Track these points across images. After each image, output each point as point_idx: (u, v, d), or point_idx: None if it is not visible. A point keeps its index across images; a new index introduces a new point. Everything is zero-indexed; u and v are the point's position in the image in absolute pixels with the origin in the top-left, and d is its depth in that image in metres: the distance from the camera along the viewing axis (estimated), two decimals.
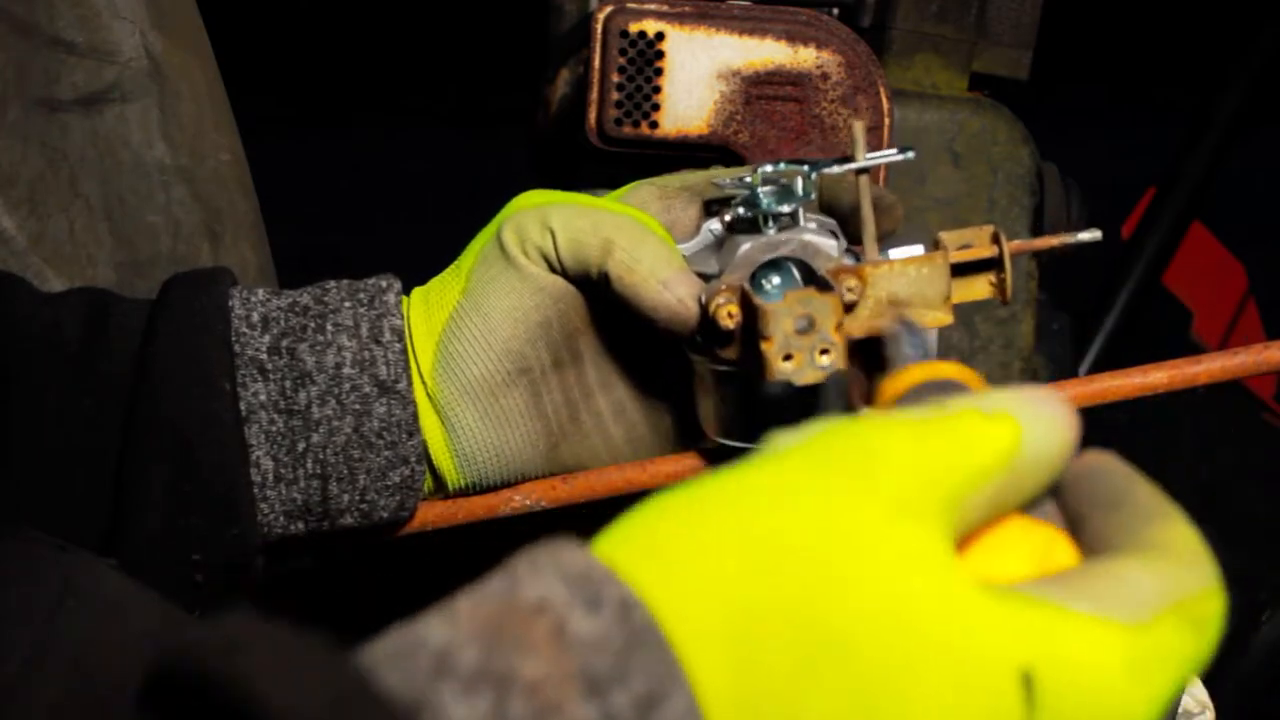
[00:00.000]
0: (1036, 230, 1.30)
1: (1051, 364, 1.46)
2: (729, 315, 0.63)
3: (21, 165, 0.95)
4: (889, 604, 0.35)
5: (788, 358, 0.60)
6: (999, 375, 1.29)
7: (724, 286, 0.65)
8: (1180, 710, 0.74)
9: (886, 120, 0.88)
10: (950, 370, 0.47)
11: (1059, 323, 1.49)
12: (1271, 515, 2.16)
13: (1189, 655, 0.38)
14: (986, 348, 1.29)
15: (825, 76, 0.87)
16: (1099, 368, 1.80)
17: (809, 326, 0.60)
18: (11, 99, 0.95)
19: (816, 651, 0.34)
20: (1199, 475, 2.21)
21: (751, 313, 0.62)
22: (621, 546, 0.35)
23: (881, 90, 0.87)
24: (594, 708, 0.31)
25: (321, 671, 0.29)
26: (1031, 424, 0.39)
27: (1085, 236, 0.69)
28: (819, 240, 0.67)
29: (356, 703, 0.29)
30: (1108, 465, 0.42)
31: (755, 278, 0.68)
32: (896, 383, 0.47)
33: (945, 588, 0.36)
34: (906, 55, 1.28)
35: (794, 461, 0.37)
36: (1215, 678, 0.88)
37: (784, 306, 0.60)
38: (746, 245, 0.67)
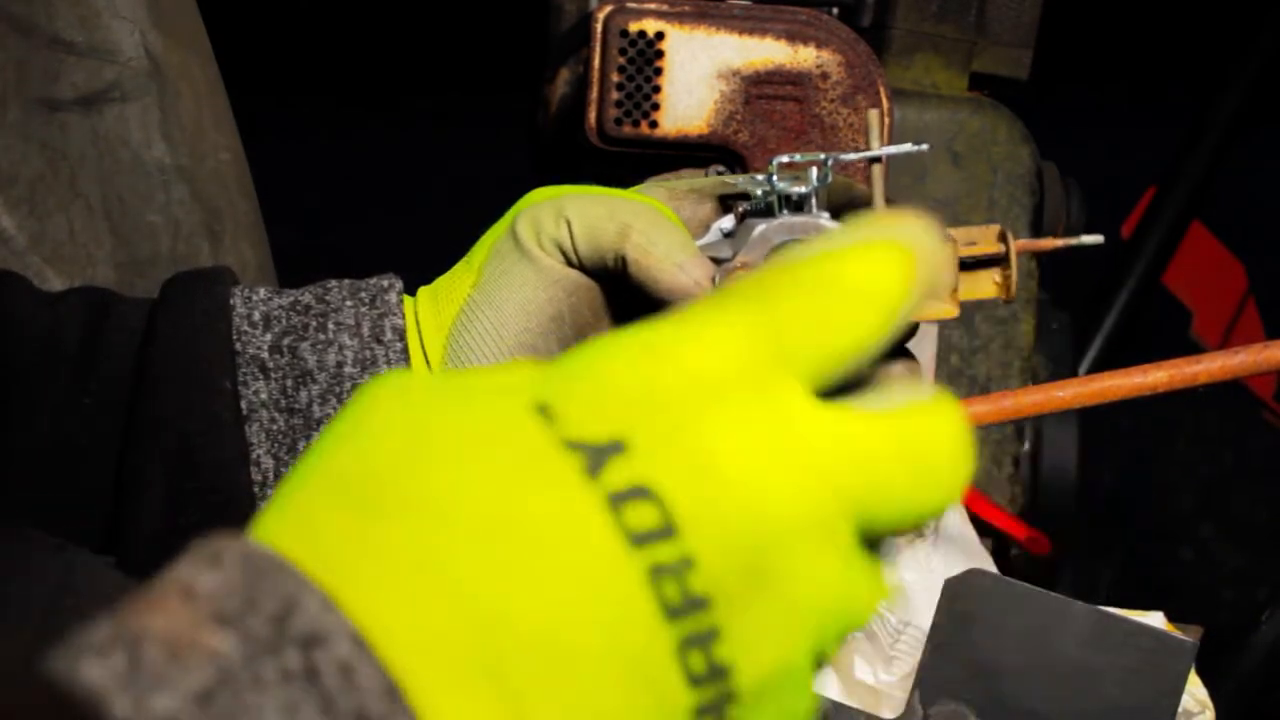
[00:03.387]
0: (1036, 230, 1.30)
1: (1051, 363, 1.46)
2: None
3: (21, 165, 0.95)
4: (395, 429, 0.36)
5: None
6: (999, 375, 1.29)
7: (739, 266, 0.65)
8: (1180, 710, 0.74)
9: (886, 120, 0.87)
10: None
11: (1059, 322, 1.49)
12: (1271, 515, 2.16)
13: (733, 320, 0.36)
14: (986, 347, 1.29)
15: (825, 76, 0.86)
16: (1099, 367, 1.80)
17: None
18: (11, 99, 0.95)
19: (365, 508, 0.34)
20: (1199, 475, 2.21)
21: None
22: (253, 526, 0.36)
23: (881, 90, 0.87)
24: (230, 634, 0.32)
25: None
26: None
27: (1088, 240, 0.69)
28: (833, 226, 0.67)
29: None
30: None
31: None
32: None
33: (435, 386, 0.37)
34: (906, 55, 1.28)
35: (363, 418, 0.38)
36: (1215, 678, 0.88)
37: None
38: (761, 226, 0.67)
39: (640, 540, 0.34)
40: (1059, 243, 0.69)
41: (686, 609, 0.34)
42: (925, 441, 0.37)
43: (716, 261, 0.67)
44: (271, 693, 0.31)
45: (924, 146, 0.68)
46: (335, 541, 0.34)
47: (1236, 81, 1.91)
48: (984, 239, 0.67)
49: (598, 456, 0.35)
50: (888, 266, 0.37)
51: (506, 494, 0.34)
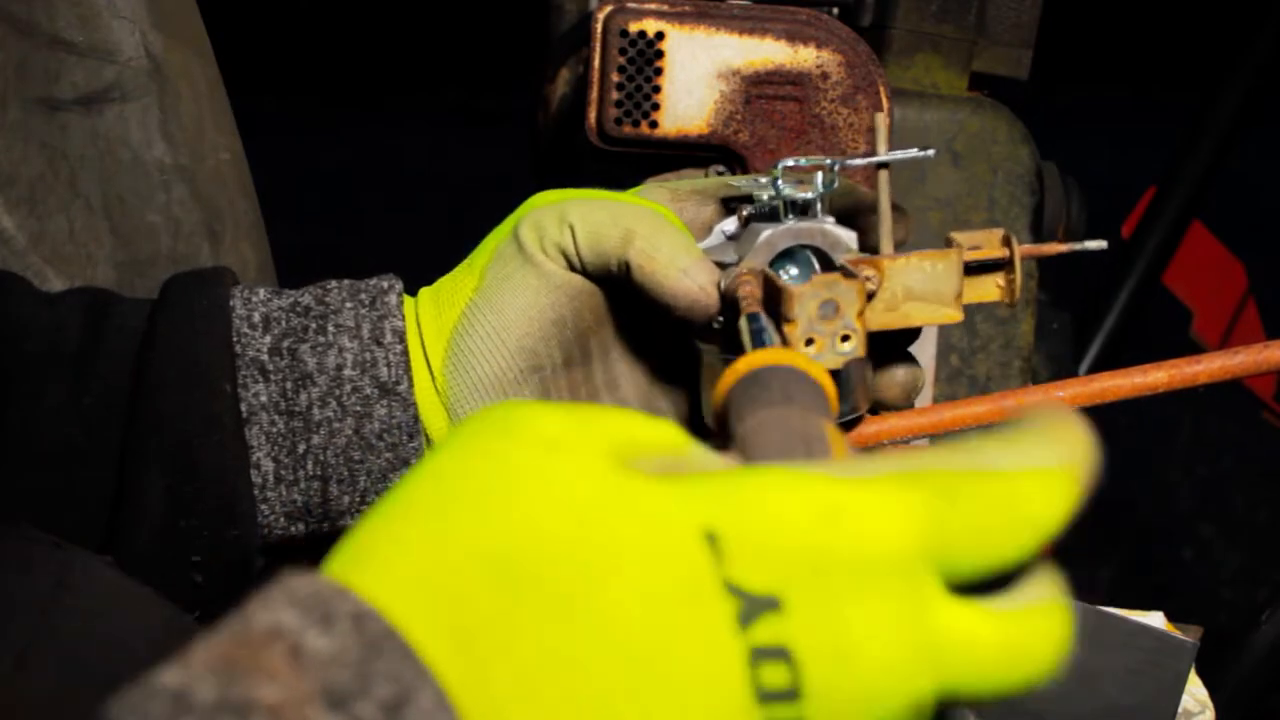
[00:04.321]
0: (1037, 229, 1.30)
1: (1051, 363, 1.46)
2: (750, 297, 0.63)
3: (21, 165, 0.95)
4: (559, 521, 0.36)
5: (809, 342, 0.60)
6: (999, 375, 1.29)
7: (745, 270, 0.64)
8: (1180, 710, 0.74)
9: (887, 120, 0.87)
10: (788, 357, 0.48)
11: (1059, 323, 1.49)
12: (1271, 515, 2.16)
13: (910, 515, 0.37)
14: (986, 347, 1.29)
15: (825, 76, 0.86)
16: (1099, 367, 1.80)
17: (833, 312, 0.60)
18: (11, 99, 0.95)
19: (513, 590, 0.35)
20: (1199, 475, 2.21)
21: (776, 295, 0.62)
22: (346, 564, 0.36)
23: (881, 90, 0.87)
24: None
25: None
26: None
27: (1091, 245, 0.69)
28: (839, 231, 0.67)
29: None
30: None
31: (773, 266, 0.67)
32: (739, 365, 0.47)
33: (605, 484, 0.37)
34: (906, 55, 1.28)
35: (452, 442, 0.39)
36: (1215, 678, 0.88)
37: (810, 289, 0.60)
38: (767, 232, 0.67)
39: (766, 698, 0.35)
40: (1063, 248, 0.69)
41: None
42: (1034, 649, 0.39)
43: (720, 266, 0.67)
44: None
45: (930, 152, 0.68)
46: (470, 628, 0.34)
47: (1236, 81, 1.91)
48: (988, 243, 0.67)
49: (753, 608, 0.36)
50: (1059, 502, 0.39)
51: (660, 623, 0.35)
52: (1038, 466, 0.39)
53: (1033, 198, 1.29)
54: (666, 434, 0.40)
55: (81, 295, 0.71)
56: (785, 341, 0.60)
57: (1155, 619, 0.78)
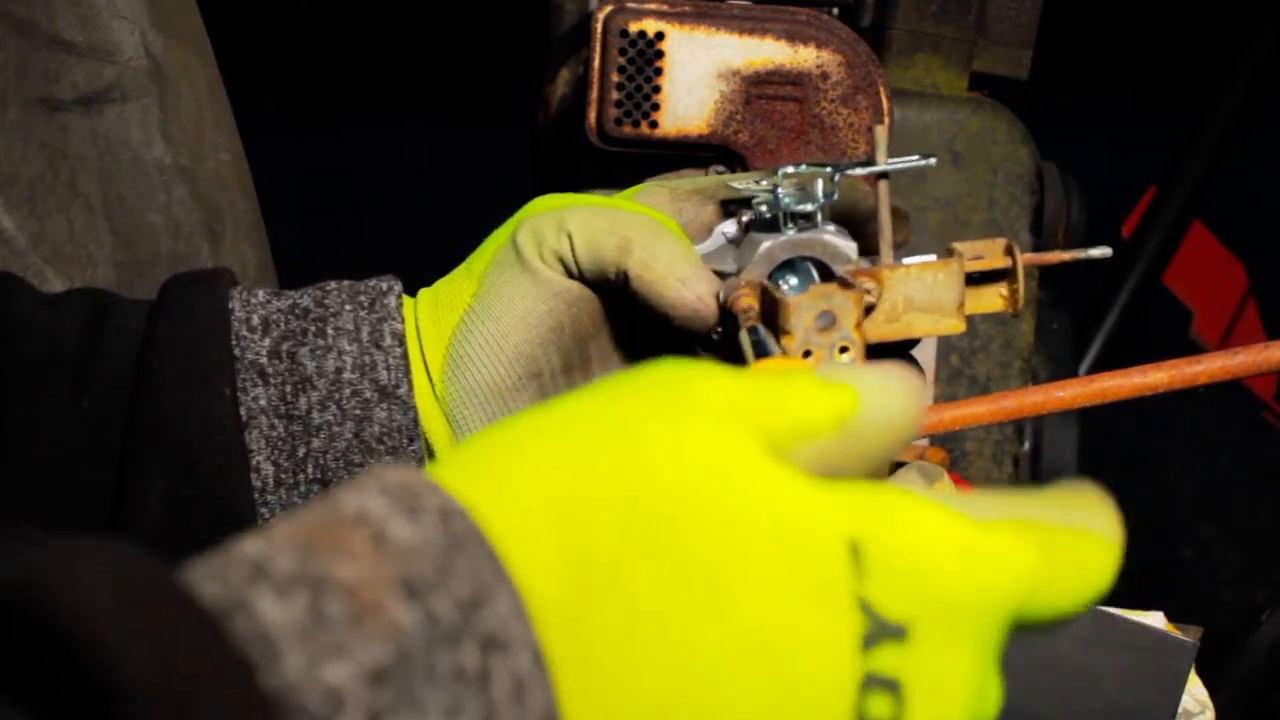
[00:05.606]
0: (1036, 229, 1.30)
1: (1051, 364, 1.46)
2: (749, 310, 0.63)
3: (21, 165, 0.95)
4: (709, 486, 0.35)
5: (807, 354, 0.60)
6: (999, 375, 1.29)
7: (744, 282, 0.64)
8: (1180, 710, 0.74)
9: (886, 120, 0.87)
10: (798, 368, 0.48)
11: (1059, 323, 1.49)
12: (1271, 515, 2.16)
13: (1026, 569, 0.38)
14: (986, 347, 1.29)
15: (825, 76, 0.86)
16: (1099, 368, 1.80)
17: (830, 323, 0.60)
18: (11, 99, 0.95)
19: (642, 536, 0.34)
20: (1199, 475, 2.21)
21: (773, 307, 0.62)
22: (447, 466, 0.36)
23: (881, 90, 0.87)
24: (415, 609, 0.31)
25: (130, 578, 0.29)
26: (869, 392, 0.40)
27: (1095, 253, 0.69)
28: (839, 242, 0.67)
29: (166, 605, 0.29)
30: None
31: (772, 277, 0.67)
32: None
33: (763, 470, 0.36)
34: (906, 55, 1.28)
35: (611, 387, 0.38)
36: (1215, 678, 0.88)
37: (806, 300, 0.60)
38: (767, 243, 0.67)
39: None
40: (1066, 256, 0.69)
41: None
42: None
43: (720, 274, 0.67)
44: (441, 687, 0.31)
45: (931, 160, 0.68)
46: (583, 561, 0.34)
47: (1236, 81, 1.90)
48: (990, 253, 0.67)
49: (880, 631, 0.36)
50: (1112, 567, 0.41)
51: (784, 616, 0.35)
52: (1099, 531, 0.41)
53: (1033, 198, 1.29)
54: (827, 404, 0.39)
55: (81, 296, 0.71)
56: (784, 354, 0.60)
57: (1155, 619, 0.78)
